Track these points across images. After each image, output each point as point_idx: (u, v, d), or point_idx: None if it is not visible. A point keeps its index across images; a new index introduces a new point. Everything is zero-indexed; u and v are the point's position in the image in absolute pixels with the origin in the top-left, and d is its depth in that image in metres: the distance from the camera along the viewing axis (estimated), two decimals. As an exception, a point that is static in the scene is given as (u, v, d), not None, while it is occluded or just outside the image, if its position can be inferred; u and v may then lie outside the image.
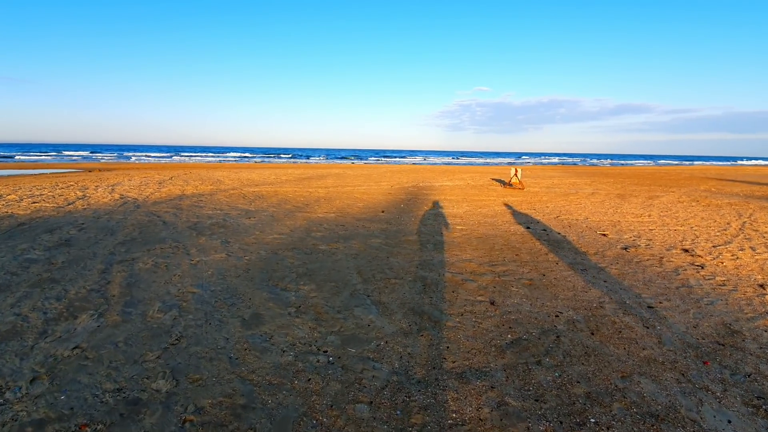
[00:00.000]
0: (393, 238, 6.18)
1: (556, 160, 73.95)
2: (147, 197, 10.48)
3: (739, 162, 72.71)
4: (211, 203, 9.56)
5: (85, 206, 8.76)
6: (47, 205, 8.87)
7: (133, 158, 44.26)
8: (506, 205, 10.01)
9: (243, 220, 7.46)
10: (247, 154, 59.29)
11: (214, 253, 5.13)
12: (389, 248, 5.53)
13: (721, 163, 68.72)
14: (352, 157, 59.95)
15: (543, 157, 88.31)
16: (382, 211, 8.77)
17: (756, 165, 56.44)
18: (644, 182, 17.92)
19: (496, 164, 46.88)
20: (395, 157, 70.37)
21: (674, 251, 5.47)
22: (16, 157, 39.45)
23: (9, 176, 17.98)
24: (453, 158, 68.93)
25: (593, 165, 50.29)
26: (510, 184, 14.75)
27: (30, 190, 11.45)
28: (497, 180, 18.21)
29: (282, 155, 62.03)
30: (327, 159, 54.64)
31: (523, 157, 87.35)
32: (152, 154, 53.49)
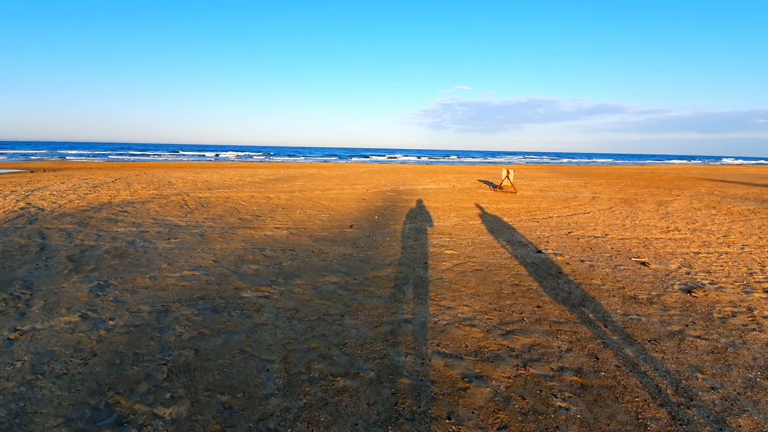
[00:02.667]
0: (357, 273, 4.36)
1: (535, 159, 73.62)
2: (59, 206, 8.35)
3: (712, 162, 73.95)
4: (135, 215, 7.52)
5: (-43, 222, 6.61)
6: None
7: (111, 157, 40.96)
8: (501, 215, 8.33)
9: (158, 243, 5.51)
10: (239, 153, 56.34)
11: (60, 315, 3.20)
12: (348, 295, 3.71)
13: (694, 162, 69.65)
14: (335, 157, 57.80)
15: (523, 156, 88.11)
16: (350, 226, 6.94)
17: (739, 165, 57.07)
18: (638, 184, 16.65)
19: (480, 164, 45.67)
20: (377, 155, 68.50)
21: (757, 294, 3.84)
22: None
23: None
24: (435, 157, 67.61)
25: (577, 165, 49.72)
26: (501, 188, 13.15)
27: None
28: (485, 182, 16.62)
29: (274, 154, 59.26)
30: (306, 158, 52.37)
31: (506, 156, 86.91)
32: (136, 153, 49.96)
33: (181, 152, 55.82)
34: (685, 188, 14.73)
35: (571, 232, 6.65)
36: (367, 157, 62.08)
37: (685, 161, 75.13)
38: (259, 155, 54.91)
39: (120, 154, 46.99)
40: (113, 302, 3.46)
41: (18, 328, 2.94)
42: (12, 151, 45.42)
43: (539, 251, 5.34)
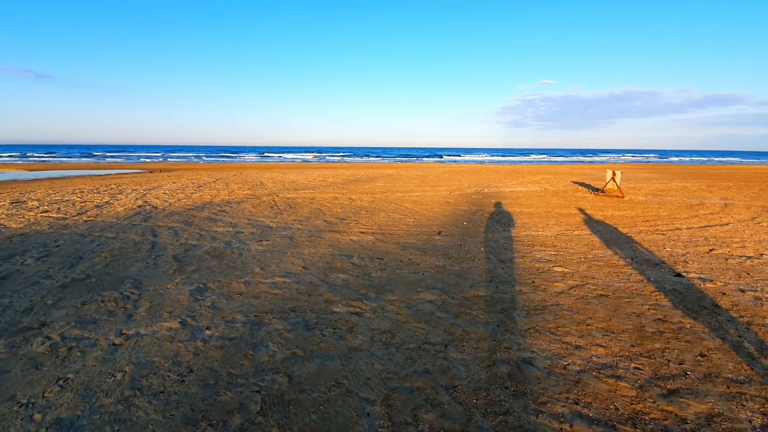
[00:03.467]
0: (454, 290, 3.88)
1: (638, 158, 65.65)
2: (170, 205, 9.16)
3: None
4: (232, 215, 7.91)
5: (93, 217, 7.52)
6: (54, 215, 7.76)
7: (206, 159, 46.06)
8: (613, 224, 7.18)
9: (251, 245, 5.59)
10: (316, 154, 59.63)
11: (163, 320, 3.22)
12: (448, 319, 3.24)
13: None
14: (414, 158, 57.74)
15: (618, 154, 79.26)
16: (439, 232, 6.46)
17: None
18: (788, 188, 13.58)
19: (569, 163, 41.97)
20: (452, 155, 66.93)
21: None
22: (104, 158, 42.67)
23: (65, 177, 18.31)
24: (516, 157, 63.92)
25: (689, 164, 43.23)
26: (603, 191, 11.61)
27: (60, 195, 10.76)
28: (582, 184, 14.94)
29: (352, 155, 61.54)
30: (381, 158, 53.04)
31: (599, 154, 79.10)
32: (229, 155, 55.58)
33: (266, 154, 60.27)
34: None
35: (712, 249, 5.40)
36: (441, 157, 60.92)
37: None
38: (337, 155, 56.96)
39: (215, 156, 52.19)
40: (210, 309, 3.43)
41: (124, 332, 2.99)
42: (131, 154, 53.04)
43: (678, 274, 4.33)
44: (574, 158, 59.30)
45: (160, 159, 44.57)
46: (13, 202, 9.56)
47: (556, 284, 4.03)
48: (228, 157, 50.97)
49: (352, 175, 20.02)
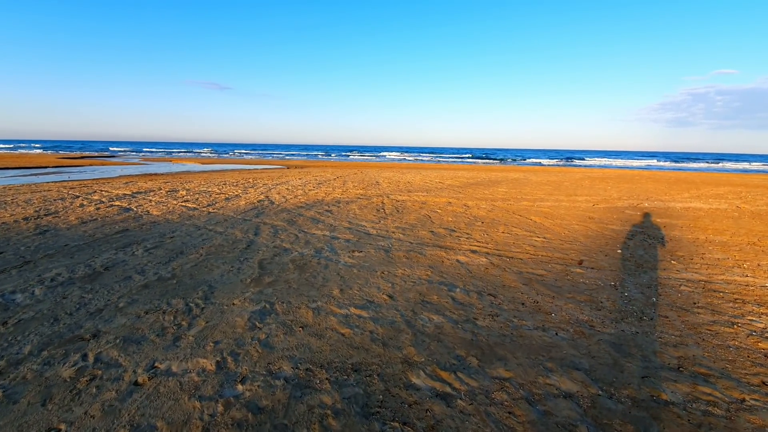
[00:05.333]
0: (611, 379, 2.39)
1: None
2: (286, 201, 9.32)
3: None
4: (336, 216, 7.48)
5: (218, 209, 7.96)
6: (190, 205, 8.48)
7: (333, 156, 49.94)
8: None
9: (341, 256, 4.89)
10: (439, 155, 59.58)
11: (202, 355, 2.60)
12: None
13: None
14: (555, 160, 52.67)
15: None
16: (580, 262, 4.78)
17: None
18: None
19: (762, 171, 32.23)
20: (592, 158, 58.39)
21: None
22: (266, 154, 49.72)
23: (223, 171, 21.21)
24: (681, 162, 52.39)
25: None
26: None
27: (207, 186, 12.10)
28: (800, 203, 10.61)
29: (485, 156, 59.68)
30: (507, 162, 49.38)
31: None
32: (366, 155, 59.52)
33: (384, 153, 61.89)
34: None
35: None
36: (584, 159, 53.54)
37: None
38: (467, 157, 55.09)
39: (343, 155, 55.73)
40: (261, 345, 2.71)
41: (157, 364, 2.45)
42: (277, 152, 60.44)
43: None
44: (764, 166, 45.47)
45: (303, 157, 49.60)
46: (170, 191, 11.01)
47: (822, 399, 2.19)
48: (365, 156, 54.03)
49: (472, 177, 18.47)
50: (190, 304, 3.40)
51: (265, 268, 4.40)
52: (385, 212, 8.04)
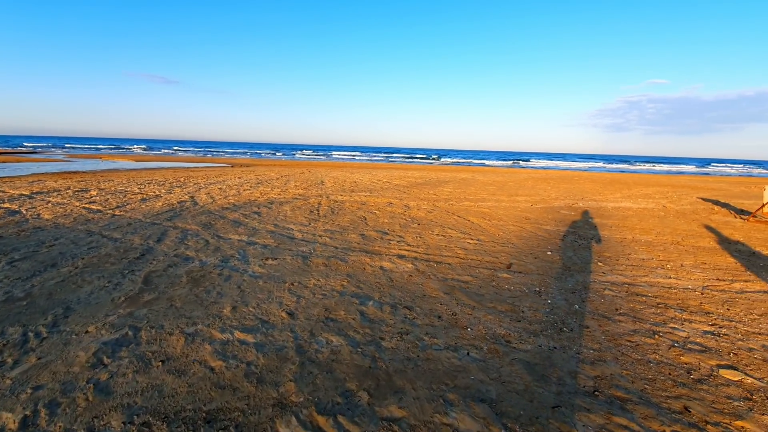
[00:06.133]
0: (520, 414, 2.06)
1: (758, 170, 53.57)
2: (212, 202, 8.49)
3: None
4: (264, 218, 6.83)
5: (126, 212, 7.00)
6: (95, 207, 7.43)
7: (282, 155, 48.27)
8: (799, 274, 4.53)
9: (251, 265, 4.30)
10: (405, 156, 59.44)
11: (13, 402, 1.95)
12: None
13: None
14: (509, 162, 54.26)
15: (743, 166, 65.62)
16: (509, 266, 4.54)
17: None
18: None
19: (688, 174, 35.24)
20: (538, 160, 61.27)
21: None
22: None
23: (156, 168, 19.52)
24: (616, 164, 56.28)
25: None
26: (756, 216, 8.35)
27: (127, 186, 10.87)
28: (716, 202, 11.39)
29: (440, 157, 60.17)
30: (456, 162, 50.46)
31: (712, 164, 66.43)
32: (346, 153, 57.88)
33: (340, 153, 61.16)
34: None
35: None
36: (528, 161, 55.94)
37: None
38: (421, 157, 55.51)
39: (296, 153, 54.26)
40: (95, 390, 2.10)
41: None
42: (229, 150, 57.63)
43: None
44: (691, 168, 50.05)
45: (255, 155, 47.51)
46: (78, 191, 9.73)
47: (741, 424, 1.97)
48: (318, 155, 52.69)
49: (421, 177, 18.36)
50: (30, 333, 2.69)
51: (150, 282, 3.73)
52: (318, 214, 7.50)
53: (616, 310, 3.38)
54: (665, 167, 51.02)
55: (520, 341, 2.76)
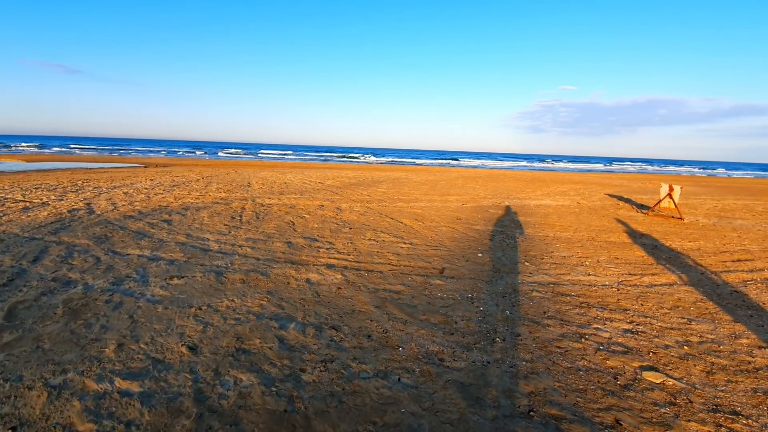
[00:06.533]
0: (455, 441, 1.85)
1: (645, 167, 62.04)
2: (113, 210, 7.37)
3: None
4: (174, 227, 6.03)
5: (1, 224, 5.74)
6: (-56, 220, 6.01)
7: (220, 154, 44.93)
8: (694, 264, 5.01)
9: (151, 287, 3.67)
10: (345, 155, 58.15)
11: None
12: None
13: None
14: (442, 161, 55.71)
15: (645, 164, 75.39)
16: (441, 270, 4.42)
17: None
18: None
19: (596, 172, 39.22)
20: (469, 159, 64.44)
21: None
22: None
23: (52, 170, 16.86)
24: (535, 163, 61.04)
25: (724, 177, 40.06)
26: (654, 210, 9.34)
27: (8, 192, 9.10)
28: (620, 198, 12.63)
29: (380, 155, 59.80)
30: (387, 161, 51.12)
31: (615, 163, 75.29)
32: (273, 152, 54.40)
33: (291, 152, 58.89)
34: None
35: None
36: (456, 160, 58.50)
37: None
38: (357, 156, 55.13)
39: (225, 152, 51.00)
40: None
41: None
42: (150, 148, 52.40)
43: None
44: (598, 166, 56.03)
45: (177, 154, 43.56)
46: (-66, 199, 7.92)
47: (692, 426, 1.95)
48: (254, 153, 49.74)
49: (355, 177, 18.07)
50: None
51: (15, 316, 2.97)
52: (241, 220, 6.85)
53: (545, 313, 3.38)
54: (578, 165, 56.43)
55: (453, 358, 2.58)
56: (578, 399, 2.19)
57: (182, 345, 2.67)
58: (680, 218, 8.57)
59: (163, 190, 10.40)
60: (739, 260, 5.33)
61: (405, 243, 5.66)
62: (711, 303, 3.73)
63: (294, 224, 6.66)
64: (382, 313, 3.26)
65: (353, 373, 2.38)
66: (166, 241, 5.25)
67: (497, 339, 2.86)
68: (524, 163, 58.84)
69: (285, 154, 52.03)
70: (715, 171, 55.42)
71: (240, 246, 5.17)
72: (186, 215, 7.09)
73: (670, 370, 2.52)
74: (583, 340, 2.89)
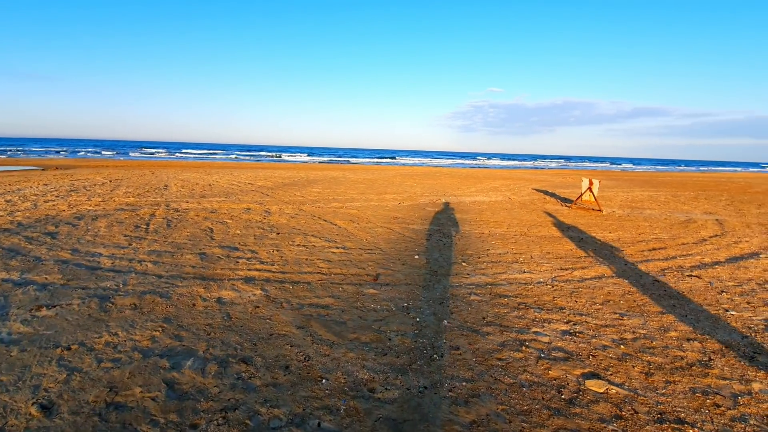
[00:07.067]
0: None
1: (565, 164, 68.18)
2: (-21, 222, 6.00)
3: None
4: (60, 240, 5.01)
5: None
6: None
7: (138, 154, 40.47)
8: (619, 255, 5.20)
9: (9, 323, 2.85)
10: (280, 154, 55.23)
11: None
12: None
13: (755, 170, 61.88)
14: (379, 159, 55.44)
15: (566, 160, 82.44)
16: (375, 278, 4.06)
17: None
18: (754, 199, 12.80)
19: (523, 168, 41.79)
20: (407, 157, 65.53)
21: None
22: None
23: None
24: (468, 160, 63.79)
25: (637, 171, 44.88)
26: (576, 204, 9.89)
27: None
28: (546, 193, 13.32)
29: (315, 154, 57.69)
30: (318, 159, 50.29)
31: (539, 160, 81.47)
32: (194, 152, 49.52)
33: (237, 153, 55.06)
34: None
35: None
36: (393, 158, 59.22)
37: (745, 168, 67.15)
38: (302, 156, 53.13)
39: (148, 152, 46.49)
40: None
41: None
42: (44, 148, 45.96)
43: (822, 396, 2.24)
44: (525, 163, 60.02)
45: (63, 155, 38.54)
46: None
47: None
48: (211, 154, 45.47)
49: (289, 177, 17.19)
50: None
51: None
52: (147, 229, 5.94)
53: (483, 318, 3.16)
54: (507, 162, 59.87)
55: (385, 386, 2.22)
56: (524, 425, 1.94)
57: (33, 404, 2.01)
58: (599, 210, 9.13)
59: (57, 197, 8.88)
60: (654, 249, 5.65)
61: (338, 247, 5.23)
62: (638, 294, 3.79)
63: (212, 231, 5.91)
64: (305, 334, 2.81)
65: (261, 422, 1.91)
66: (43, 260, 4.29)
67: (435, 356, 2.56)
68: (459, 160, 61.13)
69: (214, 154, 48.72)
70: (621, 166, 62.02)
71: (140, 261, 4.38)
72: (78, 226, 6.00)
73: (611, 375, 2.39)
74: (523, 348, 2.69)
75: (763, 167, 73.05)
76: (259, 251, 4.92)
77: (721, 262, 5.05)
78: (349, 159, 50.92)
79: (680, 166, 73.46)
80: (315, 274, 4.13)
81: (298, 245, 5.28)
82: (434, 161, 55.11)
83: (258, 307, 3.26)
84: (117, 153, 42.54)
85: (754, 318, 3.29)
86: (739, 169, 62.26)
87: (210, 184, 12.68)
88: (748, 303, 3.63)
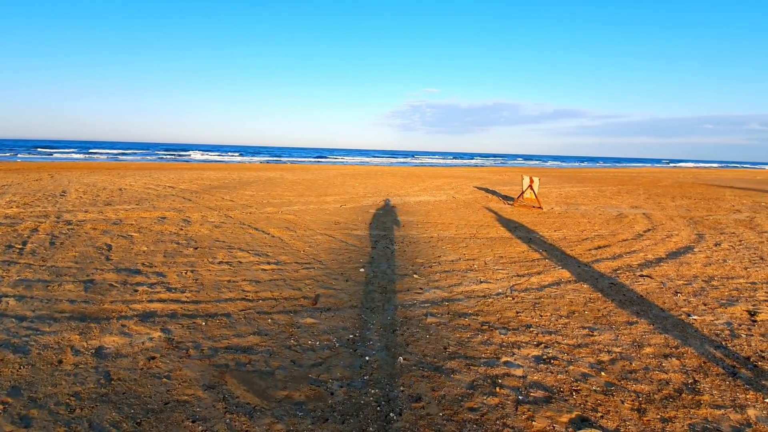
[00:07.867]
0: None
1: (500, 161, 72.28)
2: None
3: (672, 165, 75.71)
4: None
5: None
6: None
7: (20, 156, 34.83)
8: (572, 255, 5.02)
9: None
10: (220, 154, 50.76)
11: None
12: None
13: (659, 165, 70.26)
14: (318, 158, 53.68)
15: (499, 158, 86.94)
16: (314, 301, 3.39)
17: (702, 167, 57.36)
18: (655, 192, 13.98)
19: (463, 166, 42.97)
20: (349, 156, 64.72)
21: None
22: None
23: None
24: (409, 159, 64.63)
25: (562, 168, 48.22)
26: (518, 201, 9.94)
27: None
28: (487, 191, 13.42)
29: (252, 153, 53.97)
30: (254, 158, 48.01)
31: (476, 158, 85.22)
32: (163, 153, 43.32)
33: (166, 152, 49.79)
34: (721, 199, 12.07)
35: (756, 313, 3.39)
36: (335, 156, 58.17)
37: (645, 164, 75.77)
38: (234, 155, 49.65)
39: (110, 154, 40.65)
40: None
41: None
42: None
43: None
44: (463, 161, 62.13)
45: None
46: None
47: None
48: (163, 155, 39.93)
49: (219, 178, 15.68)
50: None
51: None
52: (22, 250, 4.68)
53: (445, 349, 2.64)
54: (446, 161, 61.50)
55: (326, 478, 1.58)
56: None
57: None
58: (540, 207, 9.22)
59: None
60: (599, 247, 5.60)
61: (269, 263, 4.45)
62: (600, 302, 3.53)
63: (110, 249, 4.81)
64: (215, 399, 2.07)
65: None
66: None
67: (391, 414, 1.97)
68: (400, 159, 61.63)
69: (132, 153, 44.02)
70: (548, 163, 66.71)
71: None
72: None
73: (603, 418, 1.98)
74: (497, 389, 2.21)
75: (666, 164, 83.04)
76: (167, 274, 4.00)
77: (663, 258, 5.08)
78: (280, 157, 48.94)
79: (597, 162, 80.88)
80: (238, 302, 3.35)
81: (219, 263, 4.41)
82: (376, 160, 54.94)
83: (153, 358, 2.44)
84: (14, 154, 36.58)
85: (716, 322, 3.15)
86: (647, 165, 69.90)
87: (121, 189, 10.98)
88: (705, 305, 3.52)
